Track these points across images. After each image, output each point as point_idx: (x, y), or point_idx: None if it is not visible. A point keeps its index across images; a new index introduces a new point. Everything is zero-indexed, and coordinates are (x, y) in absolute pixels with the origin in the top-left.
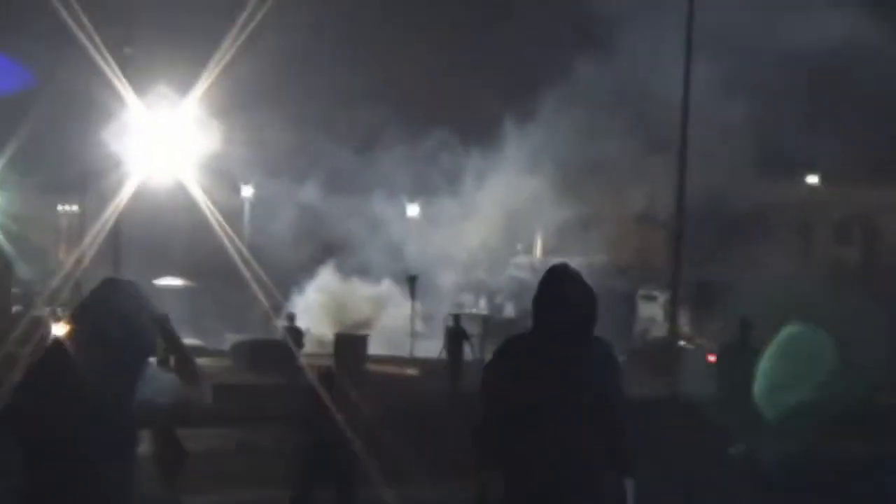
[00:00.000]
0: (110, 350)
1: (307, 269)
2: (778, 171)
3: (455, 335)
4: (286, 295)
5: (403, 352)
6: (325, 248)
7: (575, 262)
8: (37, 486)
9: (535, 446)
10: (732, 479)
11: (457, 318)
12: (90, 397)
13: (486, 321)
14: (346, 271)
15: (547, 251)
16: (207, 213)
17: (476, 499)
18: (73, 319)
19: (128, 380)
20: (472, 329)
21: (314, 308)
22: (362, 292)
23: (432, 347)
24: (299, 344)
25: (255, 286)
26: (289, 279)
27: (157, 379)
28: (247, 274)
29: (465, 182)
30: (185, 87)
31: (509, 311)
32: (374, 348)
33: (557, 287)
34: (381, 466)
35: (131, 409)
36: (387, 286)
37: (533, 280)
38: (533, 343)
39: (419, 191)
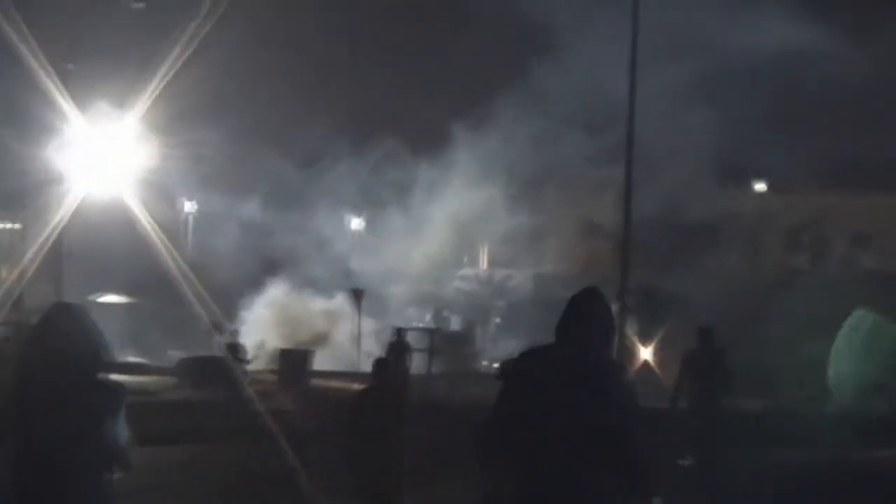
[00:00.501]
0: (68, 371)
1: (254, 284)
2: (727, 180)
3: (396, 349)
4: (231, 311)
5: (356, 367)
6: (268, 263)
7: (521, 274)
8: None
9: (533, 459)
10: (683, 491)
11: (399, 331)
12: (68, 409)
13: (432, 335)
14: (296, 286)
15: (493, 263)
16: (149, 228)
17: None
18: (29, 343)
19: (90, 403)
20: (419, 343)
21: (265, 323)
22: (315, 307)
23: None
24: (242, 360)
25: (197, 302)
26: (233, 295)
27: (121, 422)
28: (188, 290)
29: (411, 194)
30: (126, 102)
31: (455, 324)
32: (325, 364)
33: (587, 305)
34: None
35: (103, 433)
36: (340, 301)
37: (479, 292)
38: (553, 355)
39: (365, 203)
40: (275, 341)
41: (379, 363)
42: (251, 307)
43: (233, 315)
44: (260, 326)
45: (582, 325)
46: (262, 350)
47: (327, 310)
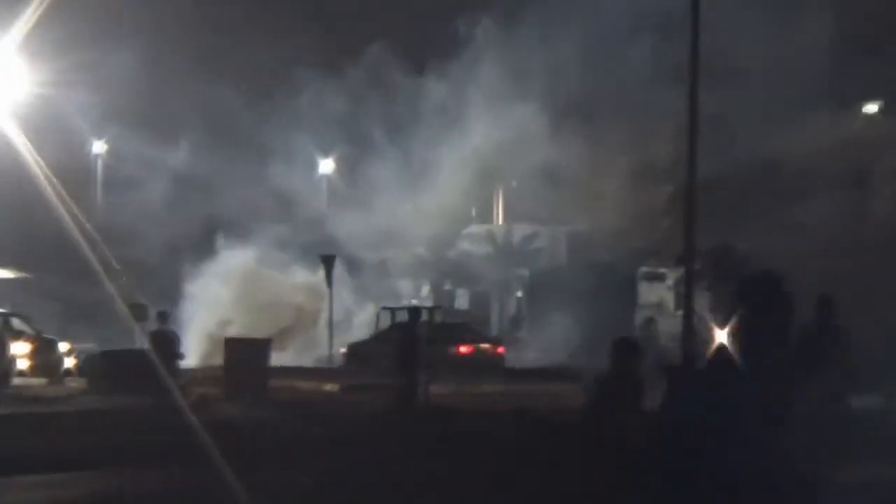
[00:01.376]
0: None
1: (196, 252)
2: (827, 101)
3: (407, 341)
4: (166, 288)
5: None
6: (211, 223)
7: (550, 231)
8: None
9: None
10: None
11: (412, 312)
12: None
13: (430, 316)
14: (263, 252)
15: (511, 216)
16: (42, 179)
17: None
18: None
19: None
20: None
21: (222, 303)
22: (292, 280)
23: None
24: (174, 353)
25: (110, 278)
26: (164, 266)
27: None
28: (98, 262)
29: (399, 123)
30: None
31: (462, 301)
32: (302, 356)
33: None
34: None
35: None
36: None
37: (494, 256)
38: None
39: (337, 140)
40: (237, 327)
41: None
42: (199, 282)
43: (169, 294)
44: (215, 308)
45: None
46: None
47: (309, 284)
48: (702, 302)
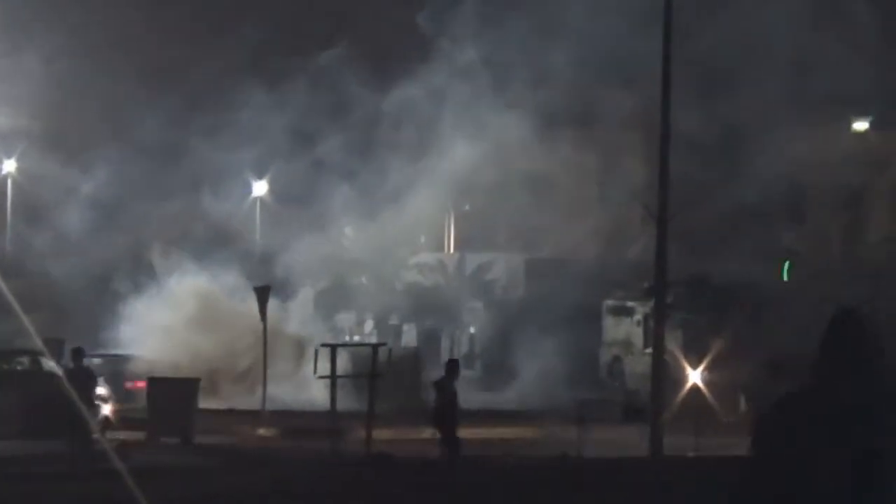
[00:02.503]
0: None
1: (129, 279)
2: (815, 117)
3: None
4: (88, 321)
5: (304, 395)
6: (134, 248)
7: (507, 259)
8: None
9: None
10: None
11: (334, 352)
12: None
13: (374, 354)
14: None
15: (464, 243)
16: None
17: None
18: None
19: None
20: (354, 366)
21: (172, 334)
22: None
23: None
24: (90, 393)
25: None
26: (84, 295)
27: None
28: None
29: (342, 138)
30: None
31: (409, 336)
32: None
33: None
34: None
35: None
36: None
37: (445, 287)
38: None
39: (273, 158)
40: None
41: None
42: (134, 315)
43: (91, 328)
44: (167, 338)
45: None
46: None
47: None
48: (674, 339)
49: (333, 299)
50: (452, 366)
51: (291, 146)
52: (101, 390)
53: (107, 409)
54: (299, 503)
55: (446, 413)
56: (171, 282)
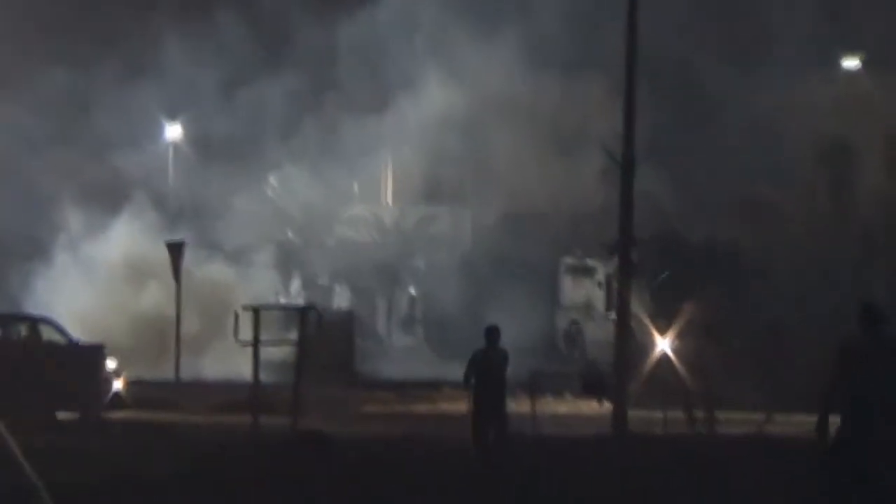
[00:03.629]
0: None
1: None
2: (799, 56)
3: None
4: None
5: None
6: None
7: (452, 214)
8: None
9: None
10: None
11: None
12: None
13: (303, 317)
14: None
15: (402, 196)
16: None
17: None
18: None
19: None
20: (279, 331)
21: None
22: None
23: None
24: None
25: None
26: None
27: None
28: None
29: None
30: None
31: (342, 298)
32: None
33: None
34: None
35: None
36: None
37: (381, 244)
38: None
39: (188, 100)
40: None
41: None
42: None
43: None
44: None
45: None
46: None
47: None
48: (639, 302)
49: (257, 257)
50: (492, 333)
51: (209, 85)
52: (111, 364)
53: (118, 385)
54: (202, 488)
55: (489, 396)
56: (88, 241)
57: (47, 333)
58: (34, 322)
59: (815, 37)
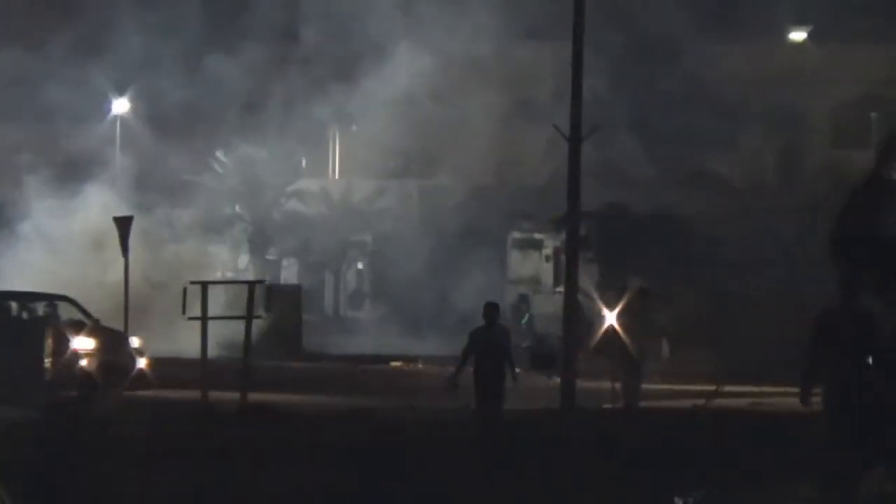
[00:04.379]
0: None
1: None
2: (745, 27)
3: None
4: None
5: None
6: None
7: (399, 187)
8: None
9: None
10: None
11: (205, 289)
12: None
13: (250, 292)
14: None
15: (350, 168)
16: None
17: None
18: None
19: None
20: (225, 306)
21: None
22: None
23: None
24: None
25: None
26: None
27: None
28: None
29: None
30: None
31: (290, 273)
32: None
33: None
34: None
35: None
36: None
37: (328, 218)
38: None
39: (136, 74)
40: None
41: None
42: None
43: None
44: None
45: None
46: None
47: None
48: (588, 275)
49: (202, 230)
50: (491, 311)
51: (156, 56)
52: (135, 342)
53: (142, 363)
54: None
55: (490, 376)
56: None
57: (68, 312)
58: (52, 300)
59: (764, 9)
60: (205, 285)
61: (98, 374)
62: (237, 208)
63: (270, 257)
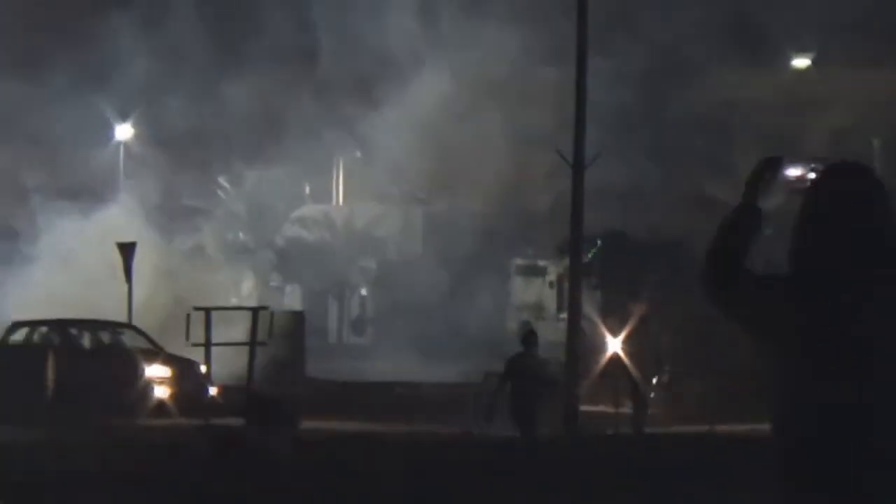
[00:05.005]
0: None
1: None
2: (750, 54)
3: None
4: None
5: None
6: None
7: (402, 212)
8: None
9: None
10: None
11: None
12: None
13: (254, 319)
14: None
15: (353, 194)
16: None
17: None
18: None
19: None
20: (228, 333)
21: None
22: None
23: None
24: None
25: None
26: None
27: None
28: None
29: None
30: None
31: (293, 299)
32: None
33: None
34: None
35: None
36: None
37: (331, 244)
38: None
39: (140, 99)
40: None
41: None
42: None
43: None
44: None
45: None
46: None
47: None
48: (591, 302)
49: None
50: (530, 337)
51: (159, 82)
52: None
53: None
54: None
55: (527, 404)
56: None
57: (133, 341)
58: (115, 328)
59: (767, 36)
60: (208, 311)
61: (172, 402)
62: (241, 234)
63: (274, 284)
